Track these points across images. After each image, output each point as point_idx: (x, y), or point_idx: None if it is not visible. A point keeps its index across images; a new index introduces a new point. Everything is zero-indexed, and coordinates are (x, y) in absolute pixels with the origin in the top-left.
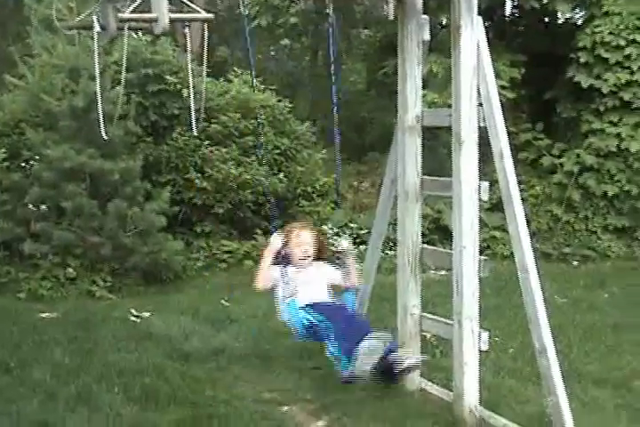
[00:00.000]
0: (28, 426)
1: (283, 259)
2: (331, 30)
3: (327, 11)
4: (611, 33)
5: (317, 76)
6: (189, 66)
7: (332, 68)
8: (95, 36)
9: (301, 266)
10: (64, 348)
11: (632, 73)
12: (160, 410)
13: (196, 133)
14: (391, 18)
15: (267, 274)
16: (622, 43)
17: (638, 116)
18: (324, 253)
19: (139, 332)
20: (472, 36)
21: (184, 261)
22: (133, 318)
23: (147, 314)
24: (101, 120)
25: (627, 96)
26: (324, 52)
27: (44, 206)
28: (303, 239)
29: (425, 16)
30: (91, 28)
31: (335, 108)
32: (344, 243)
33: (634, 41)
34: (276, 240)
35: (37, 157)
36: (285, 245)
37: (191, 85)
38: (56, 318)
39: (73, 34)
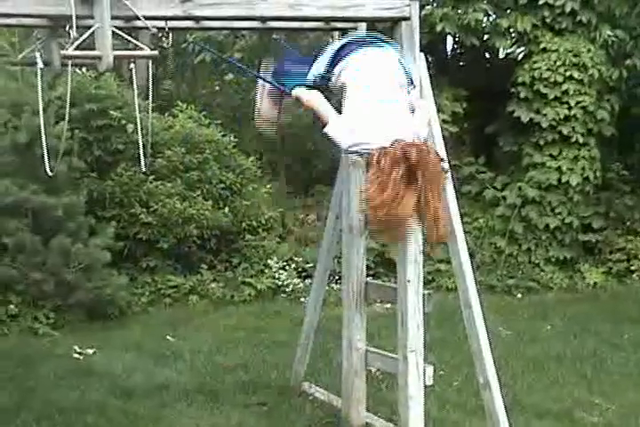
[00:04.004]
0: None
1: None
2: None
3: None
4: (548, 69)
5: None
6: (136, 101)
7: None
8: (39, 73)
9: None
10: (3, 386)
11: (570, 108)
12: None
13: (144, 169)
14: None
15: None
16: (560, 79)
17: (577, 150)
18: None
19: (81, 369)
20: (414, 71)
21: (128, 296)
22: (76, 355)
23: (90, 351)
24: (46, 156)
25: (565, 130)
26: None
27: None
28: None
29: None
30: (34, 64)
31: None
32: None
33: (571, 77)
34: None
35: None
36: None
37: (138, 122)
38: None
39: (16, 70)
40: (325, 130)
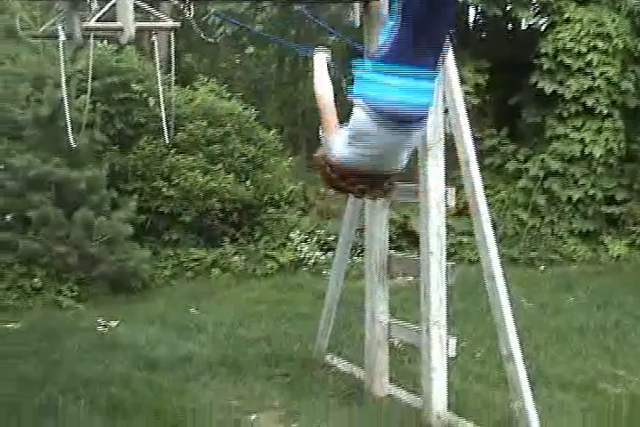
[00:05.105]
0: None
1: None
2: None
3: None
4: (572, 39)
5: (284, 83)
6: (158, 74)
7: None
8: (61, 45)
9: None
10: (28, 359)
11: (594, 79)
12: (126, 420)
13: (167, 141)
14: (357, 25)
15: None
16: (583, 49)
17: (601, 122)
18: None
19: (106, 341)
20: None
21: (151, 269)
22: (100, 328)
23: (114, 323)
24: (69, 128)
25: (589, 102)
26: (291, 59)
27: (8, 216)
28: None
29: None
30: (56, 37)
31: None
32: None
33: (595, 47)
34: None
35: (2, 167)
36: None
37: (161, 94)
38: (21, 328)
39: (37, 43)
40: (321, 135)
